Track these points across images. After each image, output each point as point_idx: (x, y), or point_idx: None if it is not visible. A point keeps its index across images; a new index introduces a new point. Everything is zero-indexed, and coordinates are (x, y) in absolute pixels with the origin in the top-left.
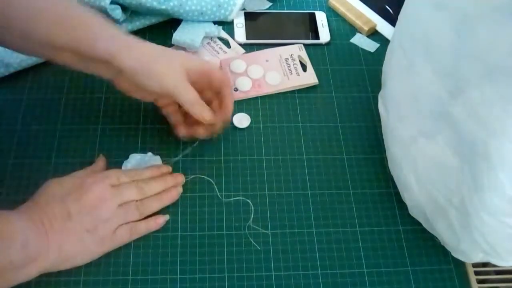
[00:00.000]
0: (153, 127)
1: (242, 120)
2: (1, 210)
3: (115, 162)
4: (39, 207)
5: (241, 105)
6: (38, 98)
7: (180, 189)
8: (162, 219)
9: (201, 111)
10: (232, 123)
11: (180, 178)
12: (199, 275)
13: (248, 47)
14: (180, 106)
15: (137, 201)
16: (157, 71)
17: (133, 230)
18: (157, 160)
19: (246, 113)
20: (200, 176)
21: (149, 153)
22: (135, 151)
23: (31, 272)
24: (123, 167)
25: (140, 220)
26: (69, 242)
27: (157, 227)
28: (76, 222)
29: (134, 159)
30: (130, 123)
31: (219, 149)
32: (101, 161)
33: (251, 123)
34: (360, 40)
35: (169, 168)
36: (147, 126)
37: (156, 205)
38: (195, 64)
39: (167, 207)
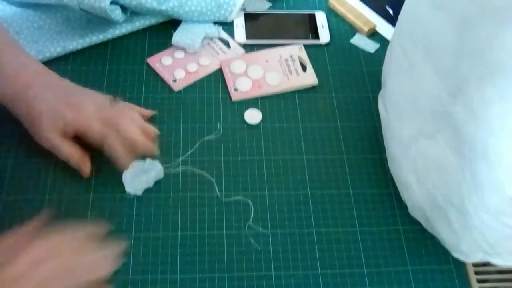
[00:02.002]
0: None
1: (254, 116)
2: None
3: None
4: None
5: (241, 106)
6: None
7: (117, 260)
8: None
9: (77, 167)
10: (244, 120)
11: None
12: (199, 275)
13: (248, 48)
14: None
15: None
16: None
17: None
18: (156, 165)
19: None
20: (201, 175)
21: (148, 160)
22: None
23: None
24: (123, 176)
25: None
26: None
27: None
28: None
29: (133, 168)
30: None
31: (219, 149)
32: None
33: (251, 123)
34: (360, 41)
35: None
36: None
37: None
38: (70, 124)
39: (167, 206)
